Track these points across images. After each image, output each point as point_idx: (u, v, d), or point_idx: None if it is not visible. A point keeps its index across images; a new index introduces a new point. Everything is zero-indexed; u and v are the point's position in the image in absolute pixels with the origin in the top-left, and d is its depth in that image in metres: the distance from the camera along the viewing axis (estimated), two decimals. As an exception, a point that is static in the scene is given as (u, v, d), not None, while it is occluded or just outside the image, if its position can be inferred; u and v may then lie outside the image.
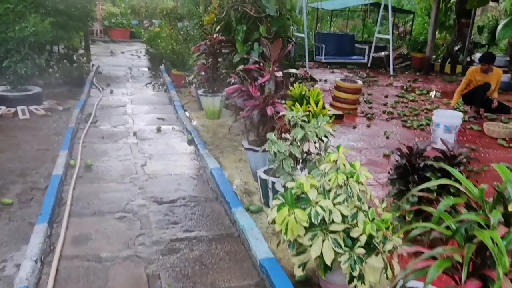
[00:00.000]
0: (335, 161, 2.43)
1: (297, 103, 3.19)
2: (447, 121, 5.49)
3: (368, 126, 6.42)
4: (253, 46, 5.41)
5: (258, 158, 3.77)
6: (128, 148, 4.99)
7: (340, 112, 6.77)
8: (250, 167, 4.03)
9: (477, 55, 11.45)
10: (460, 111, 7.50)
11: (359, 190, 2.32)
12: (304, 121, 2.97)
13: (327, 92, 8.68)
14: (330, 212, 2.24)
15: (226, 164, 4.40)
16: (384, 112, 7.29)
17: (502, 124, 6.43)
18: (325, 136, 2.91)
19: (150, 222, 3.22)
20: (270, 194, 3.39)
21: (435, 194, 1.74)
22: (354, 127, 6.27)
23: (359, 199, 2.31)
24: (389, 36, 11.00)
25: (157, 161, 4.57)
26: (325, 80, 10.06)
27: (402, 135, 6.07)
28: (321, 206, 2.24)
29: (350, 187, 2.30)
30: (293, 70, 4.02)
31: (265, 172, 3.50)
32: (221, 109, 6.25)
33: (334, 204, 2.27)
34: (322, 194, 2.33)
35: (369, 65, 11.68)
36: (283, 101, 3.77)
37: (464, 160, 1.85)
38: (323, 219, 2.23)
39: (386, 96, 8.61)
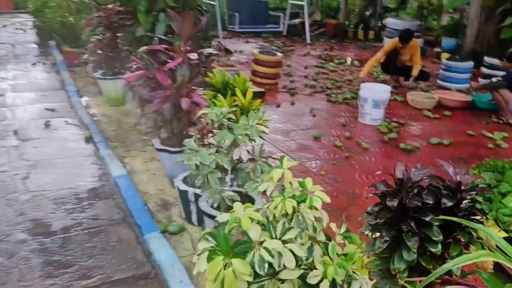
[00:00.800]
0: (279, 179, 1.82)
1: (219, 95, 2.50)
2: (375, 95, 5.13)
3: (292, 103, 5.91)
4: (158, 16, 4.57)
5: (175, 161, 3.06)
6: (5, 154, 3.93)
7: (261, 89, 6.17)
8: (166, 172, 3.32)
9: (389, 20, 11.41)
10: (381, 80, 7.29)
11: (314, 217, 1.73)
12: (231, 119, 2.31)
13: (244, 65, 8.03)
14: (280, 255, 1.64)
15: (135, 166, 3.62)
16: (306, 85, 6.82)
17: (425, 93, 6.25)
18: (260, 137, 2.28)
19: (32, 268, 2.39)
20: (193, 208, 2.73)
21: (439, 246, 1.18)
22: (278, 106, 5.72)
23: (315, 230, 1.74)
24: (304, 2, 10.51)
25: (44, 170, 3.62)
26: (241, 51, 9.38)
27: (329, 111, 5.63)
28: (267, 249, 1.63)
29: (302, 216, 1.70)
30: (211, 50, 3.31)
31: (185, 180, 2.81)
32: (126, 93, 5.35)
33: (284, 242, 1.67)
34: (266, 229, 1.71)
35: (284, 33, 11.16)
36: (201, 89, 3.06)
37: (476, 194, 1.30)
38: (271, 265, 1.62)
39: (306, 67, 8.17)
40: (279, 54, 6.97)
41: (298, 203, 1.74)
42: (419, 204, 1.20)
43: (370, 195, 1.59)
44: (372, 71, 8.00)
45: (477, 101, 6.02)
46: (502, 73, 7.43)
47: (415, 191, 1.27)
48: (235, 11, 9.42)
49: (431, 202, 1.22)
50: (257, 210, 1.78)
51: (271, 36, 11.40)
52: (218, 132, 2.22)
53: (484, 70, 7.64)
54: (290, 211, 1.71)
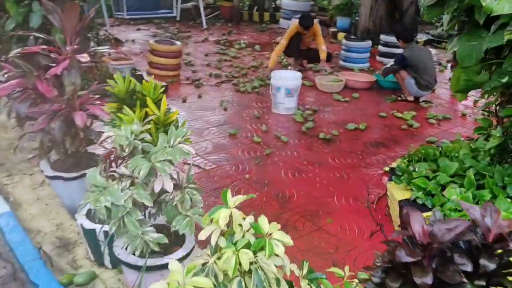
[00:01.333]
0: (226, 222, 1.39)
1: (125, 107, 1.98)
2: (287, 83, 4.86)
3: (199, 96, 5.43)
4: (31, 6, 3.78)
5: (73, 189, 2.46)
6: None
7: (163, 83, 5.57)
8: (62, 201, 2.70)
9: (283, 1, 11.30)
10: (284, 65, 7.08)
11: (276, 267, 1.35)
12: (145, 140, 1.81)
13: (139, 56, 7.32)
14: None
15: (20, 196, 2.92)
16: (210, 75, 6.37)
17: (332, 76, 6.16)
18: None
19: None
20: (105, 249, 2.19)
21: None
22: (184, 101, 5.20)
23: (279, 283, 1.35)
24: (196, -15, 9.92)
25: None
26: (133, 41, 8.59)
27: (240, 103, 5.26)
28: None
29: (263, 270, 1.31)
30: (105, 49, 2.71)
31: (88, 214, 2.24)
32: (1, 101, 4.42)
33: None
34: (218, 294, 1.29)
35: (178, 18, 10.50)
36: (97, 96, 2.48)
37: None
38: None
39: (207, 55, 7.69)
40: (178, 42, 6.40)
41: (255, 252, 1.34)
42: (459, 276, 0.87)
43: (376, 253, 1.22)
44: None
45: (380, 80, 6.07)
46: (400, 50, 7.69)
47: (447, 254, 0.93)
48: (122, -4, 8.57)
49: (469, 268, 0.89)
50: (202, 266, 1.35)
51: (163, 21, 10.66)
52: (131, 159, 1.72)
53: (380, 48, 7.83)
54: (247, 267, 1.30)
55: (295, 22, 6.65)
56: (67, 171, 2.44)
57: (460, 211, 2.36)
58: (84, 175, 2.40)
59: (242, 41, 8.84)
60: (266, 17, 12.07)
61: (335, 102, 5.45)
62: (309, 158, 3.83)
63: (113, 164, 1.78)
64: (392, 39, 7.60)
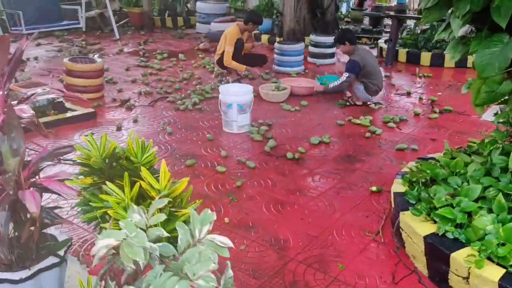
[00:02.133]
0: None
1: (108, 183, 1.36)
2: (240, 99, 4.36)
3: (135, 120, 4.72)
4: None
5: (23, 291, 1.77)
6: None
7: (90, 109, 4.79)
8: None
9: (198, 4, 10.72)
10: (217, 74, 6.57)
11: None
12: (161, 239, 1.23)
13: (48, 76, 6.35)
14: None
15: None
16: (140, 93, 5.65)
17: (275, 84, 5.76)
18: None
19: None
20: None
21: None
22: (119, 128, 4.46)
23: None
24: (103, -9, 8.97)
25: None
26: (35, 58, 7.51)
27: (184, 124, 4.65)
28: None
29: None
30: (41, 90, 2.01)
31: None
32: None
33: None
34: None
35: (84, 29, 9.46)
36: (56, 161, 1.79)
37: None
38: None
39: (128, 69, 6.90)
40: (99, 59, 5.59)
41: None
42: None
43: None
44: (204, 64, 7.24)
45: (324, 84, 5.80)
46: (331, 50, 7.53)
47: None
48: (16, 8, 7.40)
49: None
50: None
51: (66, 33, 9.56)
52: (147, 275, 1.13)
53: (311, 49, 7.61)
54: None
55: (237, 24, 6.16)
56: (15, 270, 1.73)
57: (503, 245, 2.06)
58: (39, 271, 1.72)
59: (162, 51, 8.14)
60: (180, 22, 11.40)
61: (286, 112, 5.06)
62: (287, 186, 3.38)
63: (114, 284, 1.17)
64: (323, 39, 7.43)
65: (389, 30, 11.48)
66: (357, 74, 5.11)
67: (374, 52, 8.85)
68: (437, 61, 7.30)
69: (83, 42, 8.78)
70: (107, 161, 1.45)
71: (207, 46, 8.63)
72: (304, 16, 8.77)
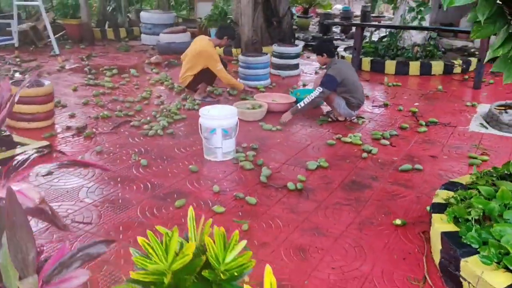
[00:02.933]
0: None
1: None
2: (224, 123, 3.85)
3: (99, 152, 4.06)
4: None
5: None
6: None
7: (43, 142, 4.06)
8: None
9: (142, 14, 10.02)
10: (179, 91, 6.01)
11: None
12: None
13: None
14: None
15: None
16: (97, 118, 4.96)
17: (249, 102, 5.29)
18: None
19: None
20: None
21: None
22: (86, 167, 3.80)
23: None
24: (38, 2, 8.04)
25: None
26: (-37, 80, 6.49)
27: (159, 153, 4.06)
28: None
29: None
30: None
31: None
32: None
33: None
34: None
35: (16, 44, 8.46)
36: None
37: None
38: None
39: (76, 89, 6.14)
40: (46, 81, 4.83)
41: None
42: None
43: None
44: (161, 80, 6.64)
45: (299, 99, 5.42)
46: (295, 61, 7.19)
47: None
48: None
49: None
50: None
51: (-6, 50, 8.51)
52: None
53: (274, 60, 7.23)
54: None
55: (209, 39, 5.64)
56: None
57: None
58: None
59: (110, 66, 7.41)
60: (123, 34, 10.63)
61: (268, 133, 4.61)
62: (300, 225, 2.93)
63: None
64: (288, 49, 7.09)
65: (339, 37, 11.51)
66: (333, 89, 4.76)
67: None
68: (402, 69, 7.20)
69: (17, 59, 7.82)
70: (176, 269, 0.92)
71: (159, 59, 8.00)
72: (261, 25, 8.40)
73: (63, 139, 4.37)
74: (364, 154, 4.03)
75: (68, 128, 4.64)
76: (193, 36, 9.33)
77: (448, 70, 7.21)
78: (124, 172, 3.66)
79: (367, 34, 8.93)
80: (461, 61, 7.30)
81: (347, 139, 4.38)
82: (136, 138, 4.43)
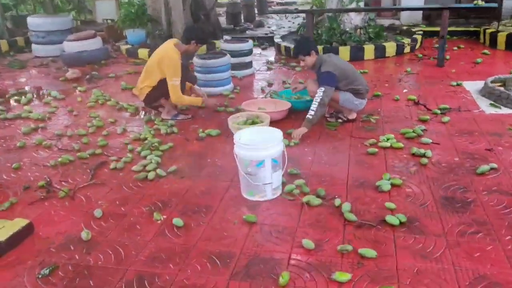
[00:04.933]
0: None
1: None
2: (273, 151, 2.96)
3: (98, 219, 2.88)
4: None
5: None
6: None
7: (23, 221, 2.73)
8: None
9: (30, 20, 8.21)
10: (151, 119, 4.84)
11: None
12: None
13: None
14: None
15: None
16: (55, 165, 3.65)
17: (243, 114, 4.39)
18: None
19: None
20: None
21: None
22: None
23: None
24: None
25: None
26: None
27: (185, 205, 3.01)
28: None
29: None
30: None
31: None
32: None
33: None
34: None
35: None
36: None
37: None
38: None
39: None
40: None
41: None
42: None
43: None
44: (100, 100, 5.34)
45: (294, 103, 4.67)
46: (249, 58, 6.37)
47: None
48: None
49: None
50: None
51: None
52: None
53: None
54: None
55: (174, 44, 4.50)
56: None
57: None
58: None
59: (18, 90, 5.81)
60: (4, 47, 8.66)
61: (290, 151, 3.77)
62: (472, 280, 2.25)
63: None
64: (239, 46, 6.26)
65: (247, 26, 10.88)
66: (335, 85, 4.12)
67: (272, 51, 8.07)
68: (357, 54, 6.85)
69: None
70: None
71: (77, 73, 6.54)
72: (186, 22, 7.36)
73: (32, 208, 3.05)
74: (424, 160, 3.46)
75: (26, 189, 3.29)
76: (104, 41, 7.96)
77: (399, 50, 7.05)
78: (161, 243, 2.58)
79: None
80: (409, 40, 7.19)
81: (385, 144, 3.78)
82: (133, 186, 3.29)
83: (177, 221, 2.76)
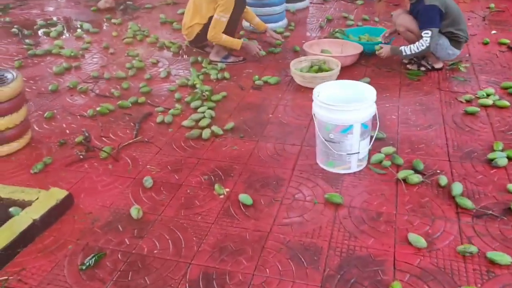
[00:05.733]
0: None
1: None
2: (364, 114, 2.34)
3: (149, 189, 2.39)
4: None
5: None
6: None
7: (61, 192, 2.26)
8: None
9: None
10: (197, 61, 4.22)
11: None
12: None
13: None
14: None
15: None
16: (93, 116, 3.14)
17: (307, 59, 3.71)
18: None
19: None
20: None
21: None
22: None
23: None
24: None
25: None
26: None
27: (249, 173, 2.49)
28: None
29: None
30: None
31: None
32: None
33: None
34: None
35: None
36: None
37: None
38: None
39: (21, 66, 4.07)
40: (12, 72, 2.84)
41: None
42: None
43: None
44: (138, 35, 4.71)
45: (365, 45, 3.95)
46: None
47: None
48: None
49: None
50: None
51: None
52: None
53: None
54: None
55: None
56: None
57: None
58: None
59: (46, 21, 5.23)
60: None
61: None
62: None
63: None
64: None
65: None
66: (440, 25, 3.39)
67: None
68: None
69: None
70: None
71: (110, 3, 5.86)
72: None
73: (69, 171, 2.57)
74: (537, 127, 2.80)
75: (62, 144, 2.80)
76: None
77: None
78: (227, 228, 2.08)
79: None
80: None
81: (485, 101, 3.09)
82: (186, 146, 2.76)
83: (245, 198, 2.24)
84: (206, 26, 3.85)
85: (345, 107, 2.30)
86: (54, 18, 5.46)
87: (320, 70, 3.52)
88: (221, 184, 2.37)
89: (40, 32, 4.97)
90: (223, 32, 3.74)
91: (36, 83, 3.70)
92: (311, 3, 5.75)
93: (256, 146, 2.74)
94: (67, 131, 2.96)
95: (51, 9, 5.96)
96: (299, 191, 2.33)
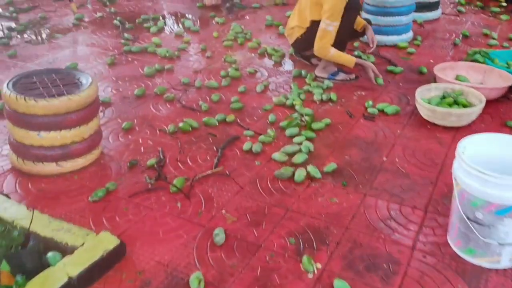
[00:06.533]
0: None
1: None
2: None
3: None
4: None
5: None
6: None
7: (114, 240, 1.85)
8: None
9: None
10: (300, 75, 3.67)
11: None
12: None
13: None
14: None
15: None
16: (173, 132, 2.71)
17: (435, 86, 2.97)
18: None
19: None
20: None
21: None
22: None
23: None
24: None
25: None
26: None
27: (360, 247, 1.87)
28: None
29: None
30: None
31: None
32: None
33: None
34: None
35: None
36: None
37: None
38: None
39: (113, 63, 3.81)
40: (86, 76, 2.51)
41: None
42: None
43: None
44: (238, 39, 4.25)
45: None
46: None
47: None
48: None
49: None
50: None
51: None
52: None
53: None
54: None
55: None
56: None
57: None
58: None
59: (149, 14, 4.99)
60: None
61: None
62: None
63: None
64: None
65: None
66: None
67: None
68: None
69: (10, 8, 5.34)
70: None
71: (217, 0, 5.50)
72: None
73: (132, 205, 2.14)
74: None
75: (132, 166, 2.40)
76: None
77: None
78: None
79: None
80: None
81: None
82: (273, 189, 2.20)
83: (343, 286, 1.62)
84: (307, 32, 3.29)
85: (510, 180, 1.57)
86: (161, 12, 5.23)
87: (456, 103, 2.76)
88: (311, 257, 1.77)
89: (142, 27, 4.73)
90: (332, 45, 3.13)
91: (124, 84, 3.39)
92: (443, 13, 4.88)
93: (362, 202, 2.10)
94: (142, 149, 2.56)
95: (157, 6, 5.76)
96: (421, 287, 1.65)
